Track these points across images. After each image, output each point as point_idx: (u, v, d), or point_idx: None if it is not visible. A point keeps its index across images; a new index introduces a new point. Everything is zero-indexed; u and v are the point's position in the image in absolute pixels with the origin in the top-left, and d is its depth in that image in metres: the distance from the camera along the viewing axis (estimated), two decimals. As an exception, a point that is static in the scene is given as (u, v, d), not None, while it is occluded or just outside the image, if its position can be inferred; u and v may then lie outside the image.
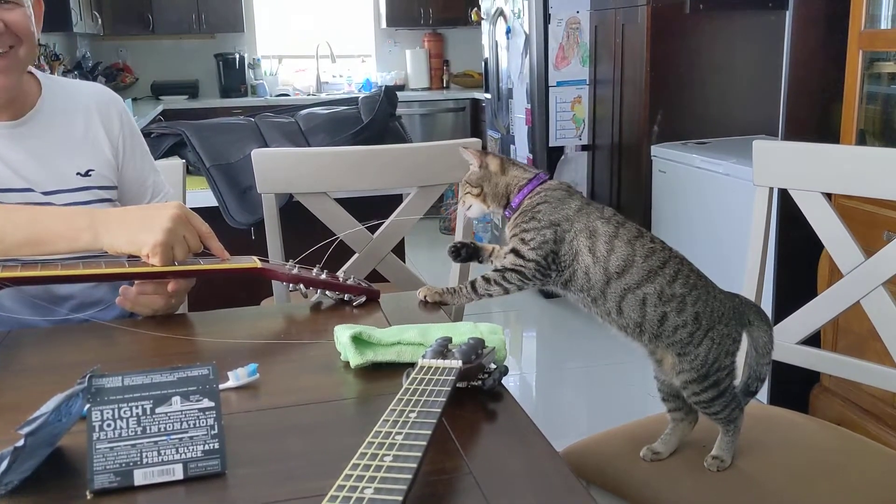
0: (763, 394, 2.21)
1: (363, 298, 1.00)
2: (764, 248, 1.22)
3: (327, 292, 1.00)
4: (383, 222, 1.44)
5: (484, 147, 1.63)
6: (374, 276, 1.44)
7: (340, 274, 1.04)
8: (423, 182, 1.44)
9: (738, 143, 2.68)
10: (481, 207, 1.01)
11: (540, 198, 0.97)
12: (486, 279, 0.95)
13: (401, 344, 0.79)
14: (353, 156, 1.43)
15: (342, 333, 0.81)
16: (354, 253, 1.44)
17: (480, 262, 1.01)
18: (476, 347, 0.72)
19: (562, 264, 0.93)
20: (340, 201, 1.44)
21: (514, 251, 0.96)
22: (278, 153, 1.43)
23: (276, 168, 1.40)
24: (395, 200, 1.65)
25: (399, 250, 1.71)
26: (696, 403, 0.93)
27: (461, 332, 0.81)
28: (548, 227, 0.93)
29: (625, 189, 3.05)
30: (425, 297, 0.97)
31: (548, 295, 3.27)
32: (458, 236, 1.47)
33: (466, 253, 0.99)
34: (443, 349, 0.71)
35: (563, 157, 3.30)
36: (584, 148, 3.29)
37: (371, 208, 1.66)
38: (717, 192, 2.47)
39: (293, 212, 1.50)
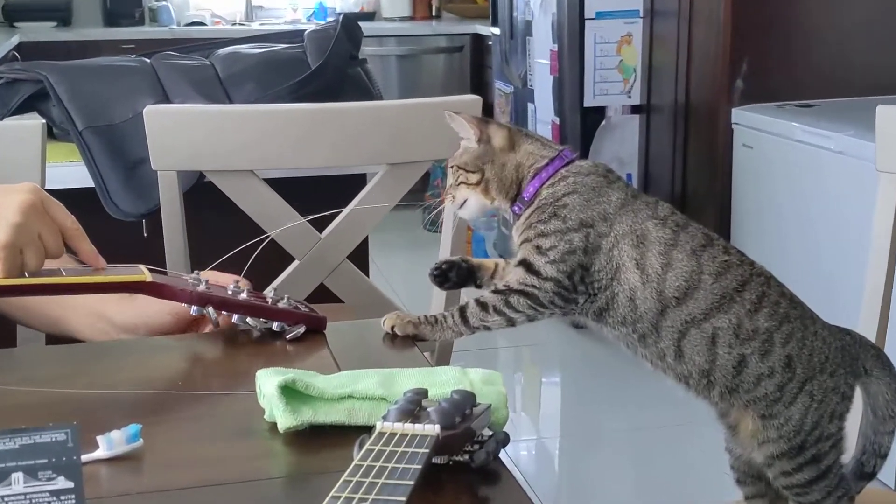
0: (888, 474, 2.22)
1: (301, 329, 1.00)
2: (891, 260, 1.23)
3: (249, 319, 1.00)
4: (338, 213, 1.45)
5: (488, 108, 1.62)
6: (322, 295, 1.44)
7: (270, 292, 1.04)
8: (398, 157, 1.44)
9: (858, 108, 2.69)
10: (481, 203, 1.01)
11: (566, 186, 0.97)
12: (483, 305, 0.95)
13: (353, 398, 0.79)
14: (295, 117, 1.43)
15: (267, 381, 0.80)
16: (293, 260, 1.44)
17: (479, 286, 1.02)
18: (462, 405, 0.72)
19: (595, 285, 0.94)
20: (274, 183, 1.44)
21: (526, 264, 0.96)
22: (184, 112, 1.43)
23: (181, 133, 1.40)
24: (356, 183, 1.65)
25: (360, 256, 1.70)
26: (787, 488, 0.94)
27: (442, 382, 0.81)
28: (576, 229, 0.94)
29: (692, 171, 3.06)
30: (393, 327, 0.98)
31: (578, 324, 3.28)
32: (446, 244, 1.47)
33: (458, 276, 1.00)
34: (414, 407, 0.71)
35: (603, 122, 3.32)
36: (634, 110, 3.31)
37: (320, 194, 1.65)
38: (826, 177, 2.48)
39: (204, 198, 1.49)
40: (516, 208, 1.00)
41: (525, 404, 2.96)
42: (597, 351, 3.12)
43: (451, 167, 1.03)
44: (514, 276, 0.96)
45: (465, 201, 1.01)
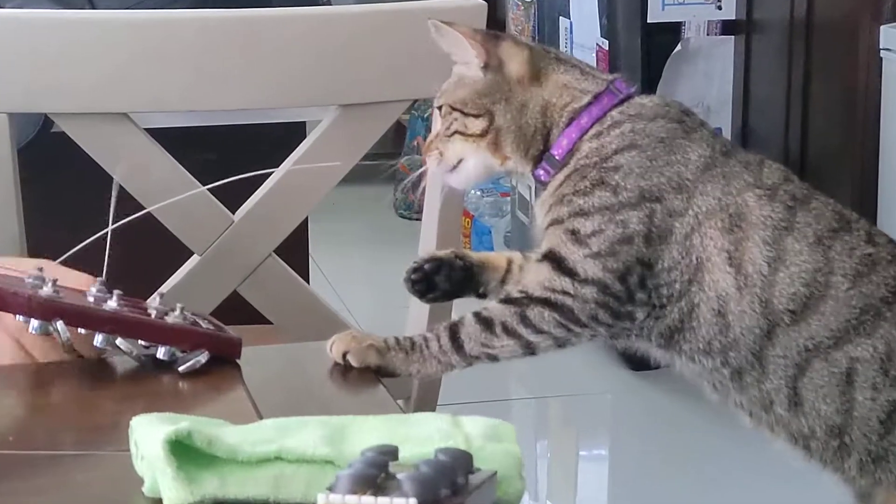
0: None
1: (202, 356, 1.01)
2: None
3: (120, 340, 1.00)
4: (262, 180, 1.45)
5: (497, 26, 1.61)
6: (237, 310, 1.44)
7: (154, 302, 1.04)
8: (354, 96, 1.45)
9: None
10: (485, 163, 1.02)
11: (619, 137, 0.98)
12: (486, 322, 0.96)
13: (282, 461, 0.80)
14: (195, 32, 1.44)
15: (148, 435, 0.81)
16: (191, 254, 1.45)
17: (482, 295, 1.03)
18: (452, 471, 0.72)
19: (662, 291, 0.95)
20: (162, 135, 1.44)
21: (555, 259, 0.97)
22: (20, 21, 1.44)
23: (15, 56, 1.40)
24: (290, 136, 1.65)
25: (296, 251, 1.71)
26: None
27: (421, 437, 0.82)
28: (633, 204, 0.95)
29: (818, 123, 3.06)
30: (346, 355, 0.98)
31: (636, 361, 3.25)
32: (430, 233, 1.48)
33: (449, 280, 1.00)
34: (377, 473, 0.72)
35: (678, 48, 3.32)
36: (727, 28, 3.31)
37: (233, 153, 1.65)
38: None
39: (51, 157, 1.51)
40: (541, 172, 1.01)
41: (554, 487, 2.96)
42: (668, 405, 3.12)
43: (441, 107, 1.03)
44: (535, 276, 0.97)
45: (459, 161, 1.02)
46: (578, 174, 0.98)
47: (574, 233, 0.97)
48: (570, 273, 0.96)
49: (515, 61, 1.03)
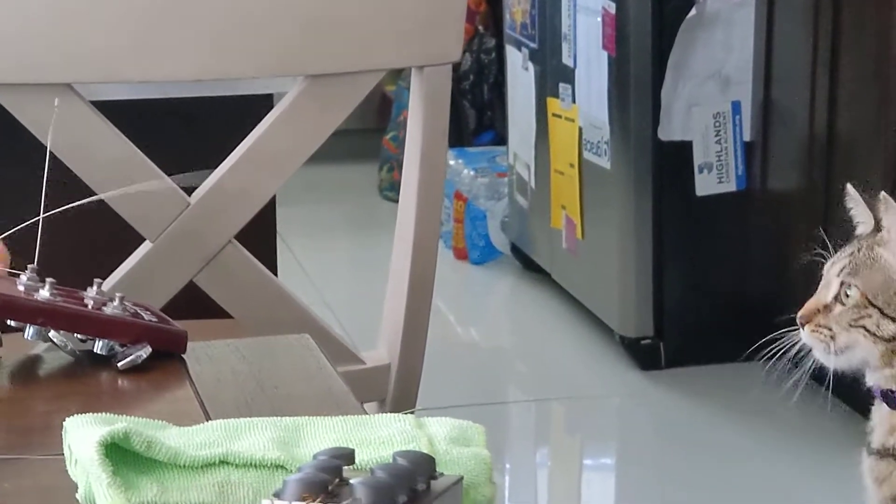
0: None
1: (143, 351, 1.02)
2: None
3: (53, 333, 1.01)
4: (221, 155, 1.46)
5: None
6: (195, 303, 1.44)
7: (91, 290, 1.05)
8: (325, 64, 1.46)
9: None
10: (871, 361, 1.06)
11: None
12: None
13: (228, 465, 0.80)
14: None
15: (82, 437, 0.81)
16: (142, 240, 1.46)
17: None
18: (412, 475, 0.72)
19: None
20: (109, 108, 1.45)
21: None
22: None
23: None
24: (254, 109, 1.65)
25: (262, 238, 1.71)
26: None
27: (380, 439, 0.82)
28: None
29: (846, 93, 3.02)
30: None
31: (646, 360, 3.24)
32: (406, 220, 1.48)
33: None
34: (329, 478, 0.71)
35: (692, 12, 3.28)
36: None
37: (190, 128, 1.65)
38: None
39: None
40: None
41: (555, 499, 2.97)
42: (681, 409, 3.08)
43: (849, 286, 1.04)
44: None
45: (847, 349, 1.05)
46: None
47: None
48: None
49: None
